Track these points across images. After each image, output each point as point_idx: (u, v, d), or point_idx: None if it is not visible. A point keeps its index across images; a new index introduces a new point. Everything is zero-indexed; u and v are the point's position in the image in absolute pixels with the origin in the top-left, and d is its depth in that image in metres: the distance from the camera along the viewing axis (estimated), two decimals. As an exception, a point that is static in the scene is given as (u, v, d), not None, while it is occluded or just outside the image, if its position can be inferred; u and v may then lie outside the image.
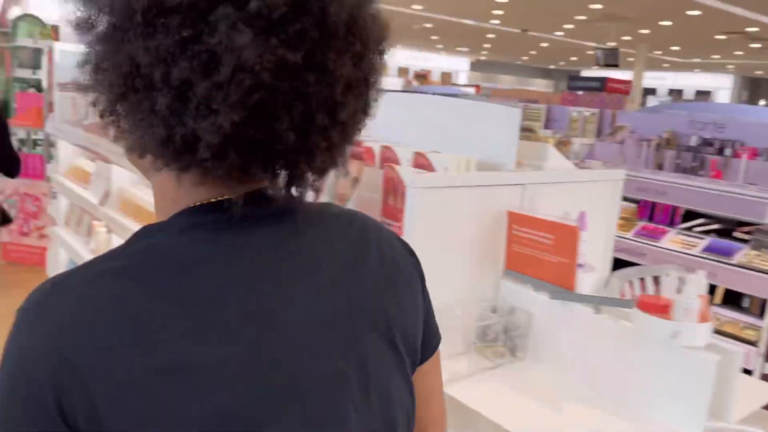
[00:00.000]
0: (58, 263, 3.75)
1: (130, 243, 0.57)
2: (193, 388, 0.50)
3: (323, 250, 0.63)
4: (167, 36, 0.49)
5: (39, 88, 7.17)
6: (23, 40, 6.97)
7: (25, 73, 6.87)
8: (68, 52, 3.64)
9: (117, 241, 2.96)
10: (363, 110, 0.59)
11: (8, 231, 5.14)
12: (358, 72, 0.56)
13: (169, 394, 0.49)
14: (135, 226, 2.70)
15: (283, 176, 0.57)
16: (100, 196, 2.83)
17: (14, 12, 9.86)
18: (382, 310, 0.64)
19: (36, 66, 7.00)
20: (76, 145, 3.21)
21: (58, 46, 4.63)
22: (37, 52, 6.86)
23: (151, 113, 0.50)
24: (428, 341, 0.71)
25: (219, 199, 0.57)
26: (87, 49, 0.54)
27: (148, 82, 0.50)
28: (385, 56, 0.60)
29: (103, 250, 3.44)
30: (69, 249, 3.61)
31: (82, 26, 0.53)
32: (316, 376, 0.57)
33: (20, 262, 5.26)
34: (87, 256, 3.37)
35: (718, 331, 3.41)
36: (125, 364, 0.49)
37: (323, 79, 0.53)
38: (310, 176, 0.58)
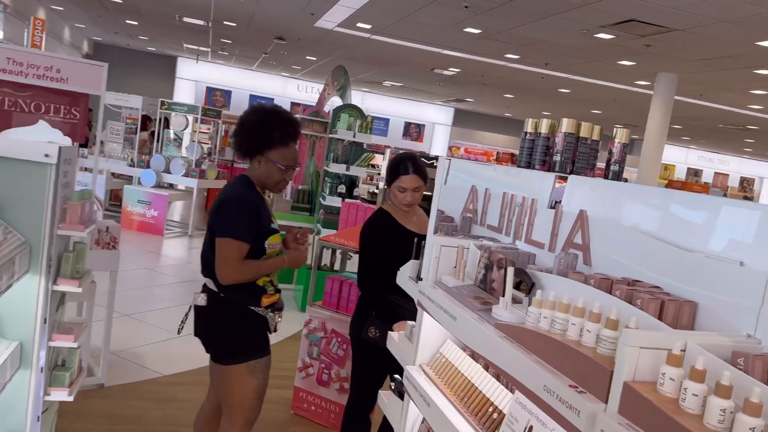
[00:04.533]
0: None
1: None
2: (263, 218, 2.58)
3: None
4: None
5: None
6: (342, 132, 6.21)
7: (339, 168, 6.10)
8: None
9: None
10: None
11: (305, 374, 4.02)
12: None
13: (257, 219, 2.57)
14: None
15: None
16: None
17: (332, 102, 9.50)
18: None
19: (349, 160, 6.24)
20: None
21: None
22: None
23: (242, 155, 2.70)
24: None
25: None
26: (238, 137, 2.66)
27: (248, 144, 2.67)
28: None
29: None
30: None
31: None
32: None
33: (306, 417, 4.05)
34: None
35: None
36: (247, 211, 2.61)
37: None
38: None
